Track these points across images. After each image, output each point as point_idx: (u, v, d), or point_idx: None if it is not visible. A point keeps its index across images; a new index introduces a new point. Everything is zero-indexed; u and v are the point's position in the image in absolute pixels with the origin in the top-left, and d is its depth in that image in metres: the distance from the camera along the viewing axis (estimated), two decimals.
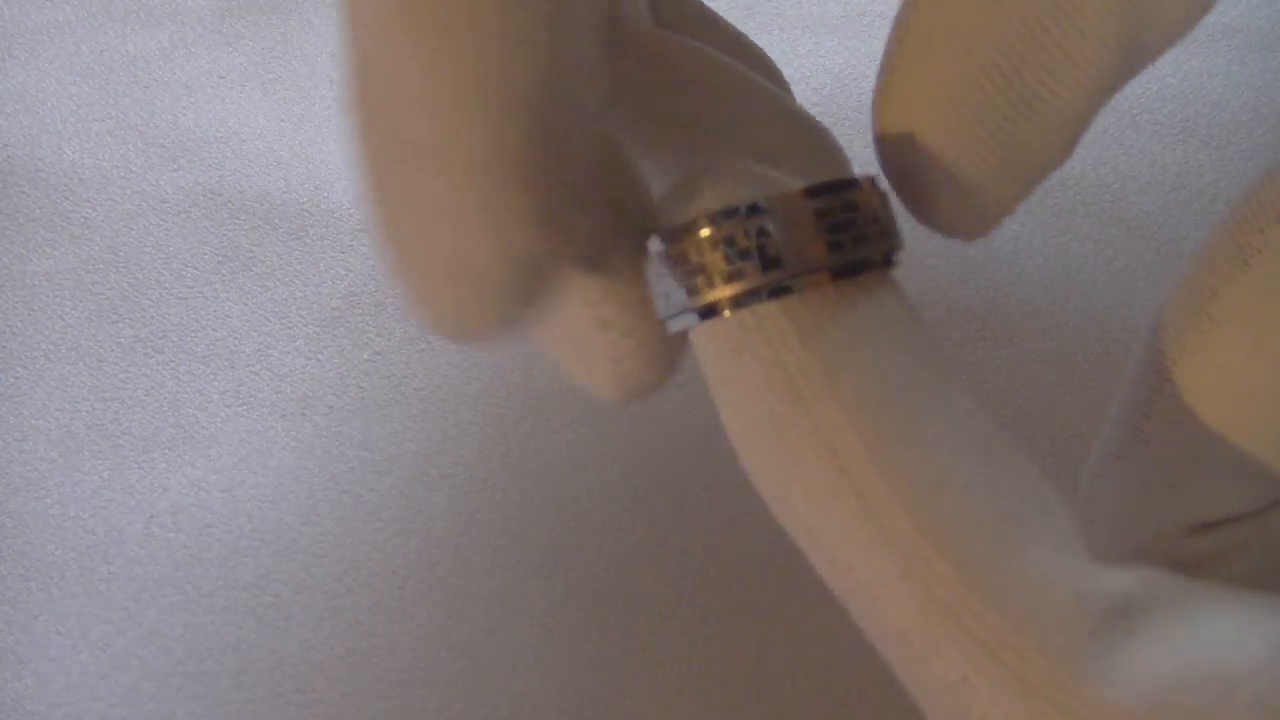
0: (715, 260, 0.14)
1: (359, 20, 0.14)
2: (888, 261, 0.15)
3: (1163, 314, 0.17)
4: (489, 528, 0.26)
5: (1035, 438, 0.27)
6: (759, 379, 0.14)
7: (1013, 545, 0.14)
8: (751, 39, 0.21)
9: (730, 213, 0.14)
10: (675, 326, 0.15)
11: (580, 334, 0.16)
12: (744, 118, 0.18)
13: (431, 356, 0.29)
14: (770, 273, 0.14)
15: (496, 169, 0.13)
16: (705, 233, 0.15)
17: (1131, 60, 0.16)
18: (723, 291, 0.14)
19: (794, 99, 0.21)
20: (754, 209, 0.14)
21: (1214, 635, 0.13)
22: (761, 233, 0.14)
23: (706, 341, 0.15)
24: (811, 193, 0.15)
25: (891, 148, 0.16)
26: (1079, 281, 0.29)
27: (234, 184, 0.33)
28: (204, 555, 0.26)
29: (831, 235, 0.15)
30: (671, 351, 0.16)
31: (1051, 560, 0.14)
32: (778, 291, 0.14)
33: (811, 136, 0.19)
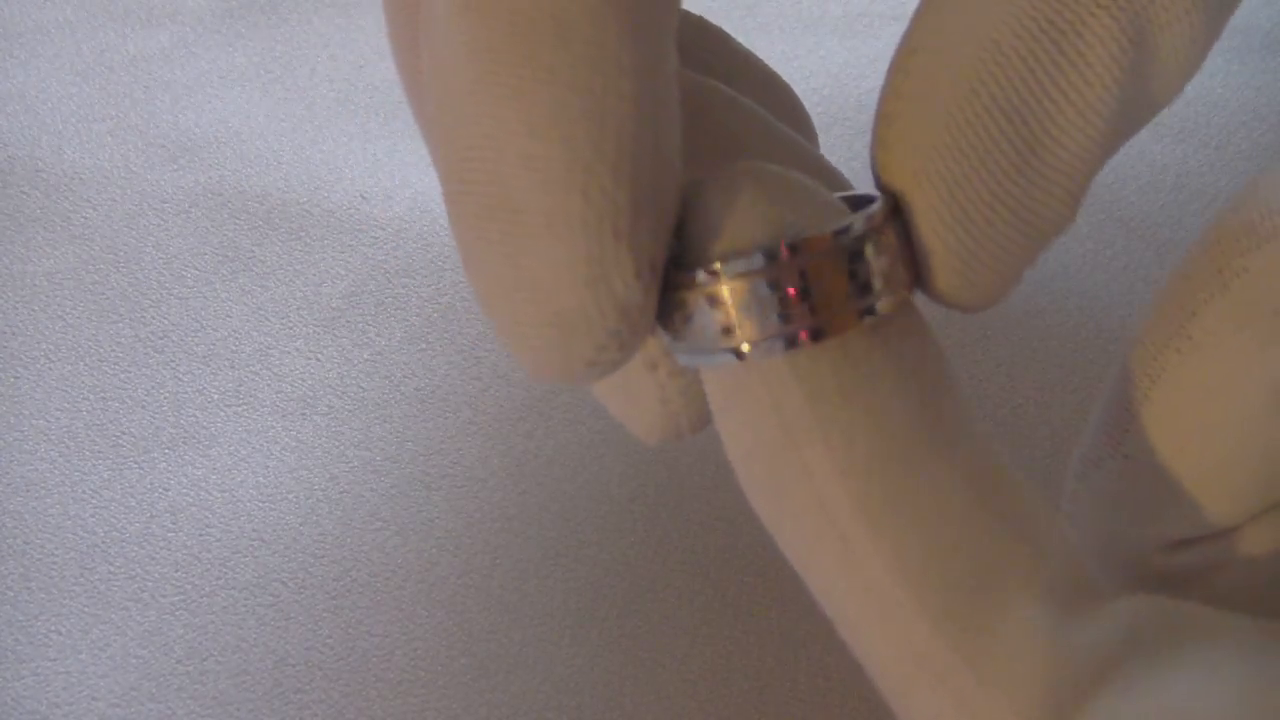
0: (742, 305, 0.14)
1: (452, 74, 0.14)
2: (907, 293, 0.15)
3: (1141, 331, 0.17)
4: (489, 528, 0.26)
5: (1035, 437, 0.27)
6: (757, 418, 0.14)
7: (994, 603, 0.14)
8: (782, 80, 0.22)
9: (753, 258, 0.14)
10: (703, 363, 0.15)
11: (627, 374, 0.16)
12: (759, 156, 0.18)
13: (431, 356, 0.29)
14: (791, 324, 0.14)
15: (602, 227, 0.13)
16: (730, 283, 0.14)
17: (1132, 112, 0.15)
18: (748, 335, 0.14)
19: (816, 144, 0.21)
20: (773, 255, 0.14)
21: (1185, 687, 0.13)
22: (786, 281, 0.14)
23: (711, 373, 0.15)
24: (840, 233, 0.14)
25: (909, 185, 0.15)
26: (1079, 281, 0.29)
27: (234, 184, 0.33)
28: (204, 555, 0.26)
29: (855, 280, 0.14)
30: None
31: (1032, 618, 0.14)
32: (795, 340, 0.14)
33: (828, 180, 0.19)
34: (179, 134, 0.34)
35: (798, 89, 0.33)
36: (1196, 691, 0.13)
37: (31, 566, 0.26)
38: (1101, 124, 0.15)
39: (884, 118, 0.15)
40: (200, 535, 0.26)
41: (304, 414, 0.28)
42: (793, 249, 0.14)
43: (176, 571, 0.26)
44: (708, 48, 0.21)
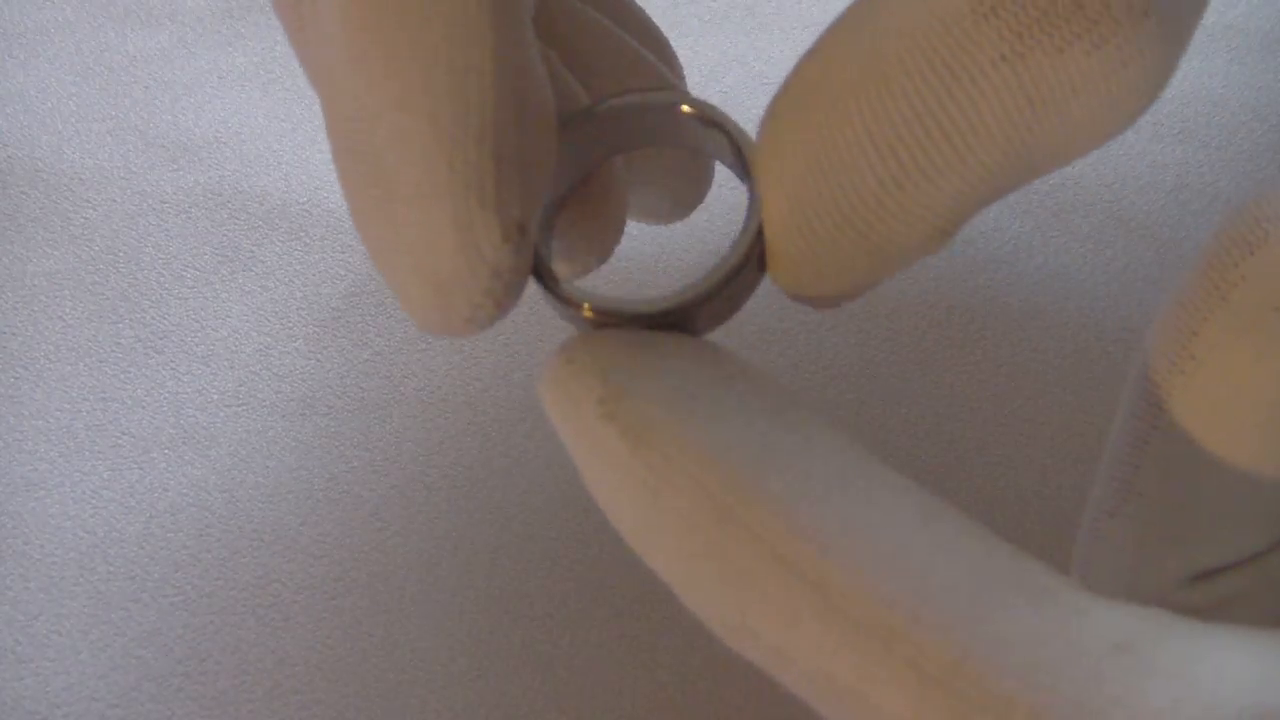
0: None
1: (331, 44, 0.15)
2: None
3: (1141, 366, 0.16)
4: (489, 528, 0.26)
5: (1035, 438, 0.27)
6: (687, 510, 0.14)
7: (995, 606, 0.13)
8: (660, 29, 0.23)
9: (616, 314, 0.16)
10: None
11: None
12: (610, 65, 0.19)
13: (431, 357, 0.29)
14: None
15: (468, 196, 0.14)
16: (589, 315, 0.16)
17: (1029, 163, 0.15)
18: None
19: (683, 84, 0.22)
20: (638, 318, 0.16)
21: (1209, 669, 0.13)
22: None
23: (626, 492, 0.15)
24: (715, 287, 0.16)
25: (764, 184, 0.15)
26: (1079, 281, 0.29)
27: (234, 184, 0.33)
28: (204, 555, 0.26)
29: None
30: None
31: (1038, 613, 0.13)
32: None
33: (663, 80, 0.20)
34: (179, 134, 0.34)
35: None
36: (1222, 673, 0.13)
37: (31, 566, 0.26)
38: (982, 172, 0.15)
39: (769, 110, 0.16)
40: (200, 535, 0.26)
41: (304, 414, 0.28)
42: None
43: (176, 571, 0.26)
44: None
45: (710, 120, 0.16)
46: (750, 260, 0.16)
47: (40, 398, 0.29)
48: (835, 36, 0.15)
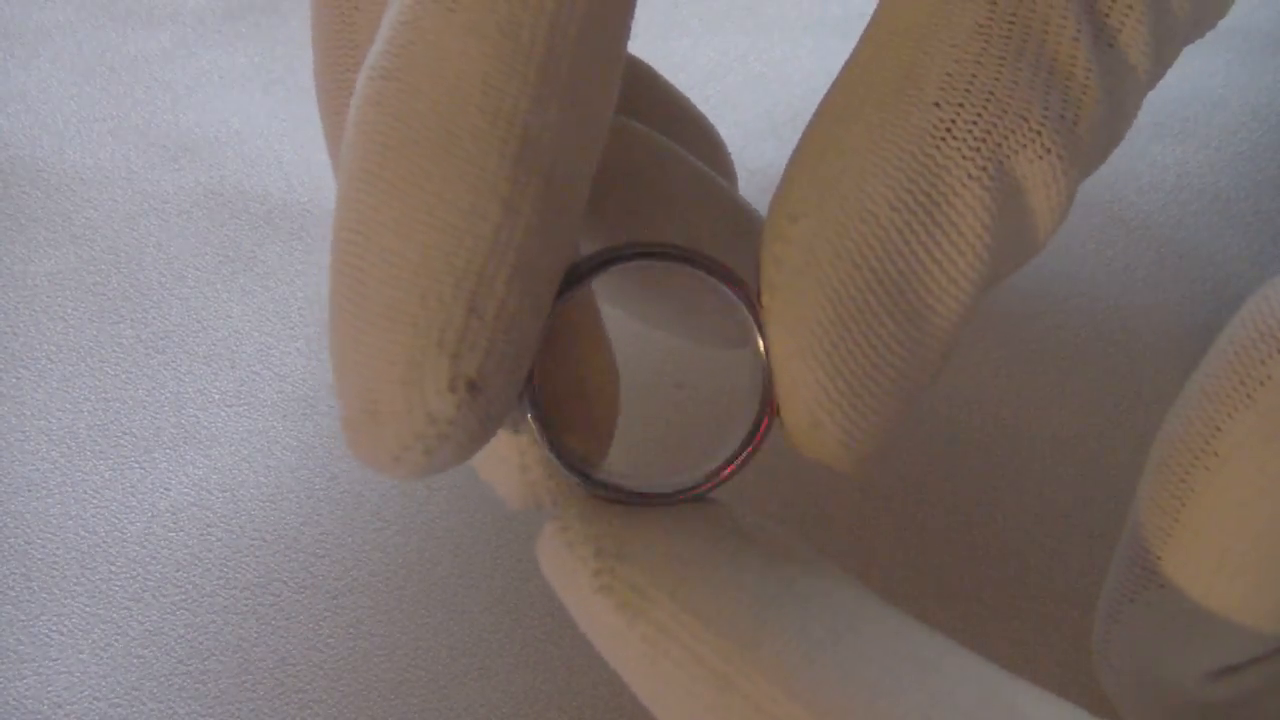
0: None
1: (349, 154, 0.15)
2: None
3: (1162, 454, 0.16)
4: (489, 528, 0.26)
5: (1035, 438, 0.27)
6: (686, 680, 0.14)
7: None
8: (707, 120, 0.22)
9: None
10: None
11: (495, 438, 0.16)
12: (677, 199, 0.19)
13: None
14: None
15: (429, 333, 0.14)
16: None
17: (1003, 267, 0.16)
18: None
19: (735, 186, 0.22)
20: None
21: None
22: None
23: (627, 659, 0.15)
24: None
25: (779, 342, 0.15)
26: (1079, 281, 0.29)
27: (235, 184, 0.33)
28: (205, 555, 0.26)
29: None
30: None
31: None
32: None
33: (740, 222, 0.19)
34: (180, 134, 0.34)
35: (798, 89, 0.33)
36: None
37: (33, 566, 0.26)
38: (971, 288, 0.15)
39: (766, 285, 0.15)
40: (202, 535, 0.27)
41: (305, 414, 0.28)
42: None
43: (178, 571, 0.26)
44: (638, 88, 0.22)
45: (721, 277, 0.16)
46: (766, 429, 0.16)
47: (42, 398, 0.29)
48: (804, 189, 0.15)
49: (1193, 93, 0.32)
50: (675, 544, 0.15)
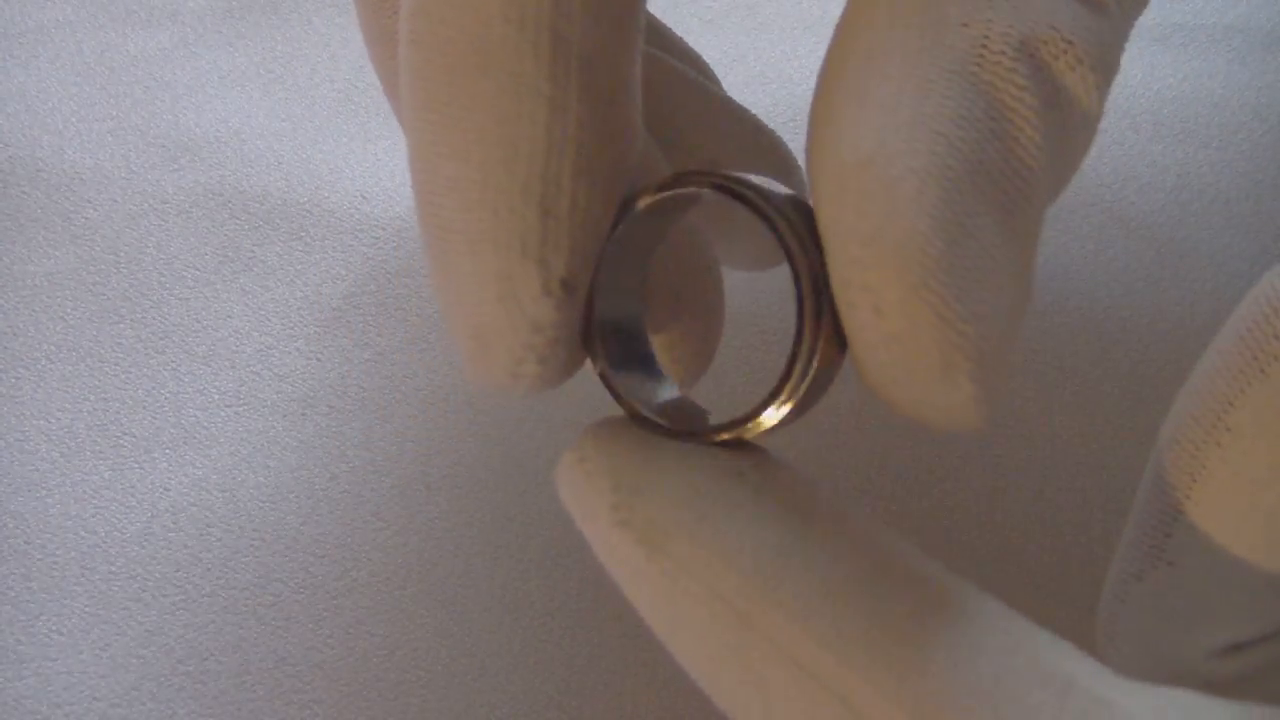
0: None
1: (405, 99, 0.15)
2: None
3: (1174, 430, 0.16)
4: (489, 528, 0.26)
5: (1035, 439, 0.27)
6: (703, 612, 0.14)
7: (1019, 704, 0.13)
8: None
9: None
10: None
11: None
12: (704, 127, 0.19)
13: (432, 356, 0.29)
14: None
15: (510, 244, 0.14)
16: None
17: (1053, 188, 0.15)
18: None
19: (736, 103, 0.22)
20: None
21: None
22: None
23: (645, 595, 0.15)
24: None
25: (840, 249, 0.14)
26: (1079, 281, 0.29)
27: (235, 184, 0.33)
28: (205, 555, 0.26)
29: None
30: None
31: (1062, 707, 0.13)
32: None
33: (762, 141, 0.20)
34: (180, 134, 0.34)
35: (798, 89, 0.33)
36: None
37: (33, 566, 0.26)
38: (1041, 204, 0.15)
39: (849, 236, 0.14)
40: (201, 535, 0.27)
41: (305, 414, 0.28)
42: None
43: (177, 571, 0.26)
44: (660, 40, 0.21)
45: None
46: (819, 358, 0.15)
47: (41, 398, 0.29)
48: (865, 120, 0.14)
49: (1193, 93, 0.32)
50: (696, 479, 0.15)
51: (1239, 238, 0.29)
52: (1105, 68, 0.15)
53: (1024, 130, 0.14)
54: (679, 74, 0.20)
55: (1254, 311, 0.16)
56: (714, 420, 0.16)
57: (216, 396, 0.29)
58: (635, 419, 0.16)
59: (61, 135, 0.34)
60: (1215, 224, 0.30)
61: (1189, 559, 0.16)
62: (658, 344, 0.17)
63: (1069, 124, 0.15)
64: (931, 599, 0.14)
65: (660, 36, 0.23)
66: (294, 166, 0.33)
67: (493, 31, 0.14)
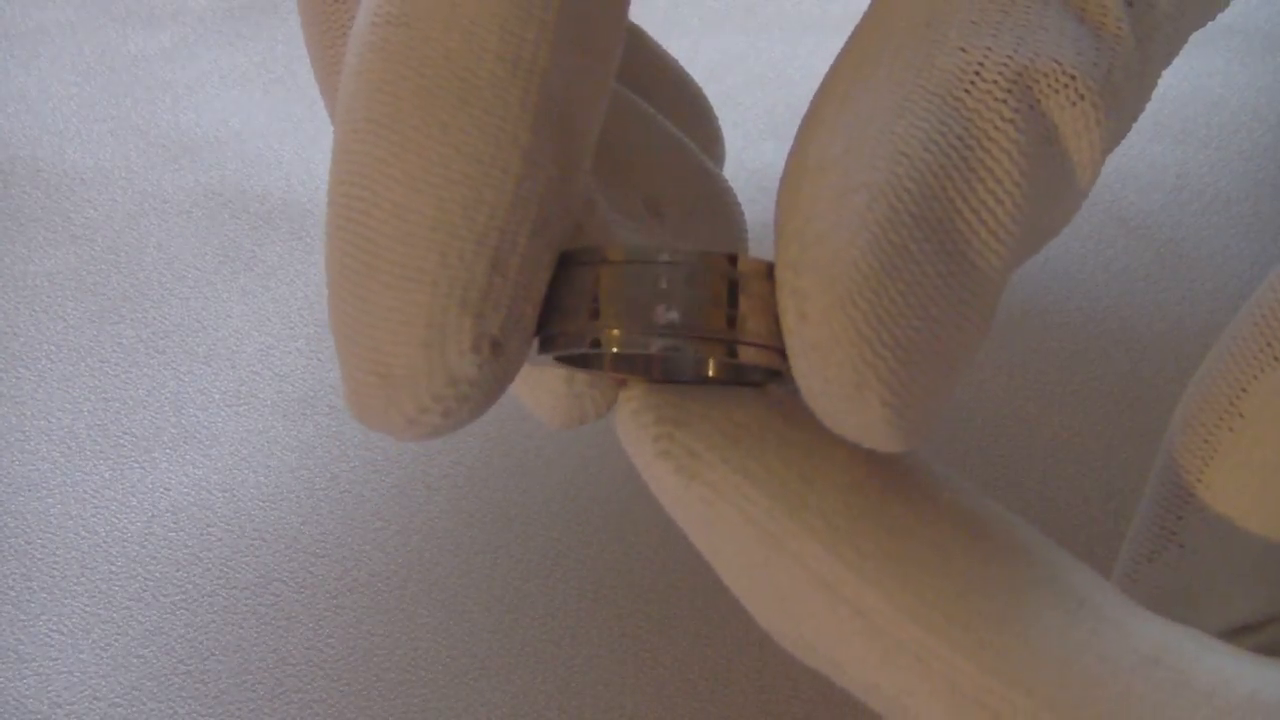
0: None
1: (353, 104, 0.14)
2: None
3: (1187, 414, 0.16)
4: (489, 528, 0.26)
5: (1035, 439, 0.27)
6: (737, 534, 0.14)
7: (1030, 622, 0.14)
8: (696, 83, 0.22)
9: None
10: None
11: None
12: (645, 163, 0.18)
13: None
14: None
15: (450, 293, 0.13)
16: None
17: (1042, 227, 0.15)
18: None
19: (721, 148, 0.21)
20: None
21: (1243, 691, 0.13)
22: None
23: (687, 519, 0.15)
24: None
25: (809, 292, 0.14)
26: (1079, 281, 0.29)
27: (236, 184, 0.33)
28: (205, 555, 0.26)
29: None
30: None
31: (1073, 626, 0.14)
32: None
33: (711, 194, 0.19)
34: (180, 134, 0.34)
35: (798, 89, 0.33)
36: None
37: (33, 566, 0.26)
38: (1011, 239, 0.14)
39: (794, 239, 0.14)
40: (202, 535, 0.27)
41: (305, 414, 0.28)
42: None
43: (178, 571, 0.26)
44: (626, 50, 0.21)
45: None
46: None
47: (42, 398, 0.29)
48: (823, 137, 0.14)
49: (1193, 93, 0.32)
50: (733, 411, 0.15)
51: (1238, 238, 0.29)
52: (1116, 102, 0.15)
53: (1000, 163, 0.14)
54: (625, 100, 0.20)
55: (1268, 299, 0.16)
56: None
57: (216, 396, 0.29)
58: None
59: (62, 135, 0.34)
60: (1215, 224, 0.30)
61: (1200, 541, 0.16)
62: None
63: (1063, 162, 0.15)
64: (950, 517, 0.14)
65: (657, 59, 0.22)
66: (294, 166, 0.33)
67: (483, 66, 0.14)
